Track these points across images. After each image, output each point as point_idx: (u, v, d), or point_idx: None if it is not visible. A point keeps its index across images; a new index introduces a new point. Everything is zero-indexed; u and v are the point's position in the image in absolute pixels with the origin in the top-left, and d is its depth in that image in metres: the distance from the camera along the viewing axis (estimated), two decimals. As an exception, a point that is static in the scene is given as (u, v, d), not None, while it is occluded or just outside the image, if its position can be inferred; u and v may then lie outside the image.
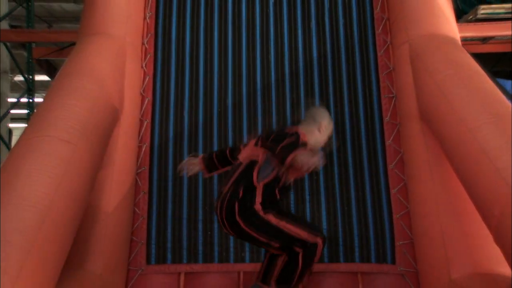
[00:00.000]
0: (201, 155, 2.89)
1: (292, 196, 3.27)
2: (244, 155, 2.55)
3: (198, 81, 3.58)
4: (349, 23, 3.67)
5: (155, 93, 3.55)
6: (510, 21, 4.67)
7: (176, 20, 3.72)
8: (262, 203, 2.36)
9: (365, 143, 3.40)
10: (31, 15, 6.59)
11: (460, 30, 3.47)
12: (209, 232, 3.25)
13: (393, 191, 3.25)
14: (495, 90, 2.61)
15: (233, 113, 3.50)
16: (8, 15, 6.26)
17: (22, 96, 6.66)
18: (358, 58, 3.59)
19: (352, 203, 3.28)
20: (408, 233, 3.14)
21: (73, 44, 3.32)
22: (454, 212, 2.76)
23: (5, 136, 6.25)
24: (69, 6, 8.86)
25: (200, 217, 3.29)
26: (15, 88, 8.62)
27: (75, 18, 8.19)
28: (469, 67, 2.78)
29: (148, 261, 3.19)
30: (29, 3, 6.57)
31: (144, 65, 3.57)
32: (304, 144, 2.35)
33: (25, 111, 6.87)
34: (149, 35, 3.64)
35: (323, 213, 3.25)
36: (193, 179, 3.35)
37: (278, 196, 2.45)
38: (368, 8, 3.69)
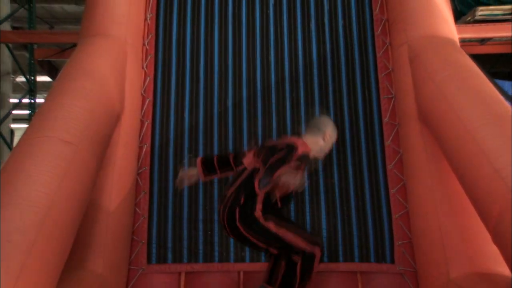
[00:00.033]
0: (199, 157, 2.88)
1: (291, 196, 3.26)
2: (248, 161, 2.54)
3: (199, 82, 3.57)
4: (349, 25, 3.66)
5: (155, 93, 3.54)
6: (508, 23, 4.67)
7: (177, 21, 3.71)
8: (262, 210, 2.36)
9: (364, 144, 3.40)
10: (32, 16, 6.58)
11: (459, 31, 3.47)
12: (210, 232, 3.24)
13: (392, 191, 3.25)
14: (493, 91, 2.60)
15: (233, 114, 3.50)
16: (10, 16, 6.26)
17: (24, 97, 6.66)
18: (357, 59, 3.58)
19: (351, 203, 3.27)
20: (407, 233, 3.13)
21: (75, 45, 3.32)
22: (453, 212, 2.76)
23: (7, 136, 6.23)
24: (70, 8, 8.85)
25: (201, 217, 3.28)
26: (17, 89, 8.61)
27: (76, 19, 8.19)
28: (468, 68, 2.78)
29: (149, 261, 3.19)
30: (31, 5, 6.56)
31: (145, 66, 3.57)
32: (303, 158, 2.35)
33: (26, 112, 6.85)
34: (150, 36, 3.64)
35: (323, 213, 3.25)
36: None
37: (279, 204, 2.45)
38: (367, 9, 3.69)
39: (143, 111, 3.47)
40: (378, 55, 3.55)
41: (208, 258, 3.19)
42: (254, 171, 2.45)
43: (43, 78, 8.60)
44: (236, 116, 3.49)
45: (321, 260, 3.10)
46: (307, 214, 3.24)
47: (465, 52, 3.03)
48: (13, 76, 6.92)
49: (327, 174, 3.32)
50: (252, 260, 3.15)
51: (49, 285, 2.09)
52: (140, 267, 3.15)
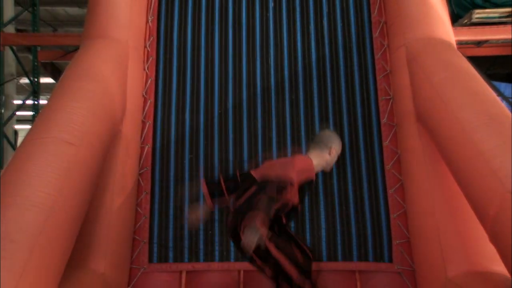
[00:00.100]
0: (202, 178, 2.82)
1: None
2: (258, 175, 2.50)
3: (199, 84, 3.56)
4: (347, 27, 3.66)
5: (157, 95, 3.54)
6: (504, 25, 4.68)
7: (178, 24, 3.71)
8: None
9: (362, 144, 3.39)
10: (36, 19, 6.60)
11: (456, 34, 3.46)
12: (210, 232, 3.24)
13: (390, 191, 3.24)
14: (490, 92, 2.60)
15: (234, 115, 3.49)
16: (14, 19, 6.27)
17: (27, 98, 6.67)
18: (356, 61, 3.58)
19: (350, 202, 3.27)
20: (405, 232, 3.13)
21: (78, 48, 3.31)
22: (450, 212, 2.75)
23: (11, 137, 6.24)
24: (73, 11, 8.87)
25: (201, 216, 3.27)
26: (20, 90, 8.61)
27: (79, 22, 8.18)
28: (465, 69, 2.77)
29: (150, 260, 3.18)
30: (35, 8, 6.57)
31: (146, 68, 3.56)
32: (305, 184, 2.33)
33: (30, 113, 6.87)
34: (151, 38, 3.63)
35: (322, 212, 3.24)
36: (194, 179, 3.34)
37: (284, 221, 2.43)
38: (365, 12, 3.68)
39: (144, 112, 3.46)
40: (376, 57, 3.54)
41: (209, 257, 3.18)
42: (262, 186, 2.41)
43: (46, 80, 8.61)
44: (236, 117, 3.48)
45: (320, 259, 3.13)
46: (307, 214, 3.24)
47: (462, 54, 3.02)
48: (17, 78, 6.92)
49: (326, 174, 3.31)
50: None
51: (51, 284, 2.08)
52: (142, 266, 3.15)
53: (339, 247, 3.17)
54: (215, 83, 3.56)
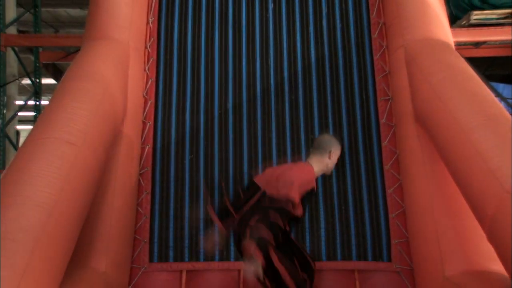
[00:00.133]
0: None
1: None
2: (261, 182, 2.50)
3: (200, 84, 3.57)
4: (346, 28, 3.66)
5: (157, 95, 3.54)
6: (502, 26, 4.68)
7: (178, 25, 3.71)
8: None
9: (361, 144, 3.39)
10: (38, 20, 6.61)
11: (454, 35, 3.46)
12: (210, 231, 3.23)
13: (389, 191, 3.24)
14: (488, 93, 2.60)
15: (234, 115, 3.49)
16: (16, 20, 6.27)
17: (29, 99, 6.67)
18: (355, 61, 3.58)
19: (349, 202, 3.27)
20: (403, 231, 3.12)
21: (79, 49, 3.31)
22: (448, 211, 2.75)
23: (13, 137, 6.24)
24: (75, 12, 8.87)
25: (202, 216, 3.27)
26: (22, 91, 8.61)
27: (81, 23, 8.16)
28: (463, 70, 2.77)
29: (151, 259, 3.18)
30: (36, 9, 6.58)
31: (147, 69, 3.57)
32: (305, 196, 2.34)
33: (32, 113, 6.88)
34: (152, 39, 3.63)
35: (321, 212, 3.24)
36: (195, 179, 3.34)
37: (287, 228, 2.43)
38: (364, 13, 3.68)
39: (145, 113, 3.46)
40: (375, 57, 3.54)
41: (209, 256, 3.18)
42: (264, 194, 2.41)
43: (48, 81, 8.61)
44: (236, 118, 3.49)
45: (319, 258, 3.13)
46: (306, 213, 3.23)
47: (461, 55, 3.02)
48: (19, 78, 6.92)
49: (325, 174, 3.31)
50: (252, 258, 3.14)
51: (53, 283, 2.08)
52: (142, 266, 3.15)
53: (338, 246, 3.17)
54: (215, 84, 3.56)
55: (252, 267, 2.17)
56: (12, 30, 6.20)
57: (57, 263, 2.12)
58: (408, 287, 3.04)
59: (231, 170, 3.36)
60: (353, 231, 3.20)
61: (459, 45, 4.80)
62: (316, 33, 3.66)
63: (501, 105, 2.53)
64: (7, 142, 5.95)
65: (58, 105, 2.61)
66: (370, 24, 3.63)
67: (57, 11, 8.88)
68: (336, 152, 2.54)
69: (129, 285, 3.09)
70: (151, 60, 3.59)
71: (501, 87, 5.18)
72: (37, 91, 6.57)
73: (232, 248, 3.19)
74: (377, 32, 3.58)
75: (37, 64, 6.53)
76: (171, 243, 3.21)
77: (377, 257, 3.14)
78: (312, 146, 2.88)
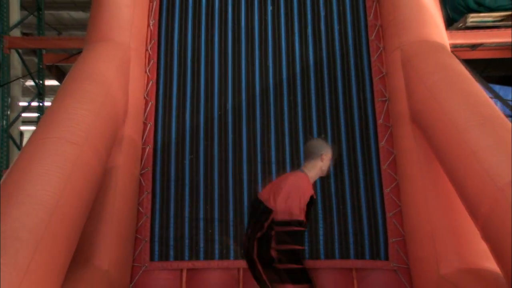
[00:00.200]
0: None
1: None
2: (265, 196, 2.50)
3: (199, 86, 3.58)
4: (344, 30, 3.67)
5: (158, 97, 3.55)
6: (498, 29, 4.69)
7: (178, 27, 3.72)
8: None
9: (359, 144, 3.40)
10: (41, 23, 6.62)
11: (451, 37, 3.48)
12: (210, 230, 3.24)
13: (386, 191, 3.25)
14: (482, 93, 2.61)
15: (233, 116, 3.50)
16: (20, 23, 6.28)
17: (32, 100, 6.69)
18: (352, 63, 3.59)
19: (347, 202, 3.28)
20: (400, 230, 3.13)
21: (82, 51, 3.33)
22: (443, 210, 2.76)
23: (16, 138, 6.25)
24: (78, 14, 8.90)
25: (202, 215, 3.28)
26: (26, 92, 8.65)
27: (83, 25, 8.21)
28: (458, 71, 2.78)
29: (152, 258, 3.19)
30: (40, 12, 6.60)
31: (147, 70, 3.58)
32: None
33: (35, 115, 6.89)
34: (153, 41, 3.65)
35: (320, 211, 3.25)
36: (194, 179, 3.35)
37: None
38: (362, 15, 3.69)
39: (145, 114, 3.47)
40: (372, 59, 3.55)
41: (209, 255, 3.19)
42: (267, 209, 2.41)
43: (51, 82, 8.62)
44: (235, 118, 3.50)
45: (317, 257, 3.13)
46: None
47: (457, 57, 3.03)
48: (23, 80, 6.93)
49: (326, 175, 3.32)
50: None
51: (56, 281, 2.09)
52: (143, 264, 3.16)
53: (336, 245, 3.18)
54: (214, 85, 3.57)
55: None
56: (16, 33, 6.21)
57: (60, 261, 2.13)
58: (405, 285, 3.04)
59: (231, 170, 3.37)
60: (351, 230, 3.21)
61: (456, 47, 4.82)
62: (314, 35, 3.67)
63: (495, 105, 2.55)
64: (11, 142, 5.97)
65: (60, 106, 2.62)
66: (367, 26, 3.65)
67: (60, 14, 8.90)
68: (327, 154, 2.55)
69: (130, 283, 3.09)
70: (151, 62, 3.60)
71: (497, 88, 5.18)
72: (40, 93, 6.58)
73: (232, 247, 3.20)
74: (374, 34, 3.59)
75: (41, 66, 6.54)
76: (171, 242, 3.22)
77: (374, 255, 3.14)
78: (304, 154, 2.87)
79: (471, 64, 4.71)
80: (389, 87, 3.40)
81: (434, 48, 3.07)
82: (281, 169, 3.32)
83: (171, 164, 3.40)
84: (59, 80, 7.81)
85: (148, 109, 3.48)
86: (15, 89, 6.31)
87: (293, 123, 3.47)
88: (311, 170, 2.48)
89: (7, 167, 5.60)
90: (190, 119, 3.50)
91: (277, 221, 2.30)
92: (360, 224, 3.22)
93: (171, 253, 3.20)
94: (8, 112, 5.90)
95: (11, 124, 5.96)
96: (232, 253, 3.19)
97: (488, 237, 2.14)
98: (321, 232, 3.21)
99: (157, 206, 3.31)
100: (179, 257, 3.19)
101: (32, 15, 6.59)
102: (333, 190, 3.30)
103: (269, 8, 3.76)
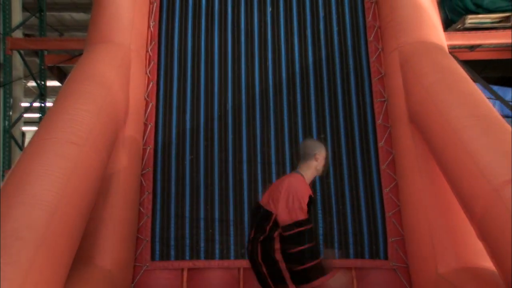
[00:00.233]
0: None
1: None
2: (265, 201, 2.51)
3: (199, 87, 3.58)
4: (343, 31, 3.67)
5: (158, 98, 3.56)
6: (496, 30, 4.69)
7: (178, 29, 3.72)
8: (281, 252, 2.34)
9: (358, 145, 3.40)
10: (43, 24, 6.63)
11: (449, 38, 3.48)
12: (211, 230, 3.24)
13: (385, 190, 3.25)
14: (479, 94, 2.61)
15: (233, 117, 3.51)
16: (22, 24, 6.29)
17: (34, 101, 6.69)
18: (351, 64, 3.59)
19: (346, 202, 3.28)
20: (399, 230, 3.13)
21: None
22: (441, 210, 2.77)
23: (18, 138, 6.24)
24: (79, 16, 8.90)
25: (202, 215, 3.28)
26: (28, 93, 8.63)
27: (85, 27, 8.17)
28: (455, 72, 2.79)
29: (153, 258, 3.20)
30: (42, 13, 6.60)
31: (148, 72, 3.58)
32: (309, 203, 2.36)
33: (37, 115, 6.89)
34: (153, 43, 3.65)
35: (319, 211, 3.25)
36: (195, 179, 3.35)
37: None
38: (360, 16, 3.70)
39: (146, 115, 3.48)
40: (371, 60, 3.56)
41: (209, 255, 3.19)
42: (267, 213, 2.42)
43: (53, 83, 8.62)
44: (235, 119, 3.50)
45: (316, 257, 3.11)
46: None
47: (456, 57, 3.03)
48: (25, 81, 6.93)
49: (323, 174, 3.32)
50: (251, 257, 3.14)
51: (58, 280, 2.09)
52: (144, 264, 3.16)
53: (336, 245, 3.18)
54: (214, 86, 3.57)
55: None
56: (18, 34, 6.22)
57: (62, 261, 2.13)
58: (404, 284, 3.04)
59: (231, 170, 3.37)
60: (350, 230, 3.21)
61: (454, 48, 4.81)
62: (313, 37, 3.67)
63: (491, 106, 2.55)
64: (12, 143, 5.96)
65: (61, 107, 2.63)
66: (366, 28, 3.65)
67: (62, 15, 8.90)
68: (321, 153, 2.55)
69: (131, 283, 3.09)
70: (152, 63, 3.60)
71: (495, 89, 5.17)
72: (42, 93, 6.59)
73: (232, 246, 3.20)
74: (372, 35, 3.59)
75: (42, 67, 6.55)
76: (172, 242, 3.23)
77: (374, 255, 3.15)
78: (298, 155, 2.87)
79: (469, 65, 4.71)
80: (387, 88, 3.40)
81: (432, 49, 3.07)
82: (280, 169, 3.33)
83: (172, 164, 3.40)
84: (61, 81, 7.80)
85: (148, 110, 3.49)
86: (17, 89, 6.31)
87: (292, 124, 3.47)
88: (307, 170, 2.49)
89: (9, 167, 5.61)
90: (190, 120, 3.50)
91: (282, 226, 2.30)
92: (360, 223, 3.22)
93: (172, 252, 3.21)
94: (10, 113, 5.90)
95: (13, 124, 5.96)
96: (232, 253, 3.19)
97: (483, 236, 2.14)
98: (320, 231, 3.21)
99: (158, 206, 3.31)
100: (179, 256, 3.20)
101: (34, 17, 6.60)
102: (332, 190, 3.31)
103: (269, 9, 3.76)
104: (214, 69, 3.62)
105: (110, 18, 3.31)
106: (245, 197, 3.31)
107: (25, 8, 6.65)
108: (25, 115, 6.55)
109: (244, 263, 3.16)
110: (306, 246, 2.25)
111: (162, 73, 3.61)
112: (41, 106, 6.63)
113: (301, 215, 2.30)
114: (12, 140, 5.91)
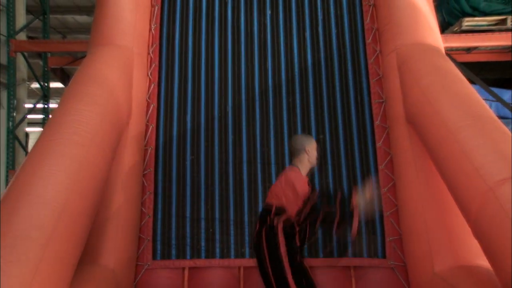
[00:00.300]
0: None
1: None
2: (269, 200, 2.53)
3: (200, 88, 3.58)
4: (341, 33, 3.67)
5: (159, 99, 3.56)
6: (492, 33, 4.69)
7: (179, 31, 3.73)
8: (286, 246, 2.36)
9: (357, 145, 3.41)
10: (46, 27, 6.64)
11: (446, 41, 3.48)
12: (211, 230, 3.25)
13: (383, 190, 3.26)
14: (475, 94, 2.62)
15: (233, 118, 3.51)
16: (25, 27, 6.29)
17: (38, 102, 6.69)
18: (350, 66, 3.59)
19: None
20: (397, 229, 3.14)
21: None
22: (437, 209, 2.77)
23: (22, 139, 6.25)
24: (82, 18, 8.91)
25: (203, 215, 3.29)
26: (31, 94, 8.64)
27: (88, 29, 8.17)
28: (451, 73, 2.79)
29: (154, 257, 3.21)
30: (45, 16, 6.61)
31: (149, 73, 3.58)
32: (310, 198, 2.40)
33: (40, 116, 6.89)
34: (154, 45, 3.66)
35: (318, 211, 3.24)
36: (195, 179, 3.35)
37: (298, 243, 2.45)
38: (358, 19, 3.70)
39: (148, 116, 3.48)
40: (369, 62, 3.56)
41: (210, 254, 3.20)
42: (267, 206, 2.44)
43: (56, 85, 8.63)
44: (235, 120, 3.50)
45: (316, 256, 3.12)
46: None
47: (453, 59, 3.03)
48: (28, 82, 6.94)
49: (322, 174, 3.32)
50: (252, 256, 3.15)
51: (65, 278, 2.11)
52: (146, 263, 3.16)
53: (335, 244, 3.17)
54: (215, 88, 3.58)
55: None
56: (22, 36, 6.22)
57: (69, 260, 2.15)
58: (402, 283, 3.04)
59: (231, 171, 3.37)
60: (349, 229, 3.20)
61: (451, 50, 4.82)
62: (312, 39, 3.68)
63: (487, 106, 2.56)
64: (16, 143, 5.97)
65: (66, 108, 2.64)
66: (364, 30, 3.66)
67: (65, 18, 8.92)
68: (311, 146, 2.59)
69: (133, 281, 3.09)
70: (153, 65, 3.61)
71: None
72: (45, 95, 6.59)
73: (232, 245, 3.20)
74: (371, 37, 3.59)
75: (46, 69, 6.56)
76: (173, 241, 3.23)
77: (372, 254, 3.15)
78: (290, 153, 2.86)
79: (466, 66, 4.71)
80: (385, 89, 3.41)
81: (428, 51, 3.08)
82: (280, 169, 3.32)
83: (173, 165, 3.40)
84: (64, 82, 7.82)
85: (150, 111, 3.50)
86: (21, 91, 6.32)
87: (292, 124, 3.47)
88: (301, 165, 2.52)
89: (13, 167, 5.61)
90: (191, 121, 3.50)
91: (297, 212, 2.34)
92: (358, 223, 3.20)
93: (173, 252, 3.21)
94: (14, 114, 5.90)
95: (17, 125, 5.96)
96: (232, 252, 3.19)
97: (479, 234, 2.15)
98: (319, 231, 3.20)
99: (159, 206, 3.32)
100: (181, 255, 3.21)
101: (37, 19, 6.61)
102: (331, 190, 3.29)
103: (268, 12, 3.76)
104: (214, 71, 3.62)
105: (113, 21, 3.32)
106: (245, 197, 3.31)
107: (28, 11, 6.66)
108: (29, 116, 6.56)
109: (244, 262, 3.17)
110: (322, 216, 2.38)
111: (163, 75, 3.62)
112: (44, 107, 6.64)
113: (307, 193, 2.34)
114: (16, 140, 5.91)
